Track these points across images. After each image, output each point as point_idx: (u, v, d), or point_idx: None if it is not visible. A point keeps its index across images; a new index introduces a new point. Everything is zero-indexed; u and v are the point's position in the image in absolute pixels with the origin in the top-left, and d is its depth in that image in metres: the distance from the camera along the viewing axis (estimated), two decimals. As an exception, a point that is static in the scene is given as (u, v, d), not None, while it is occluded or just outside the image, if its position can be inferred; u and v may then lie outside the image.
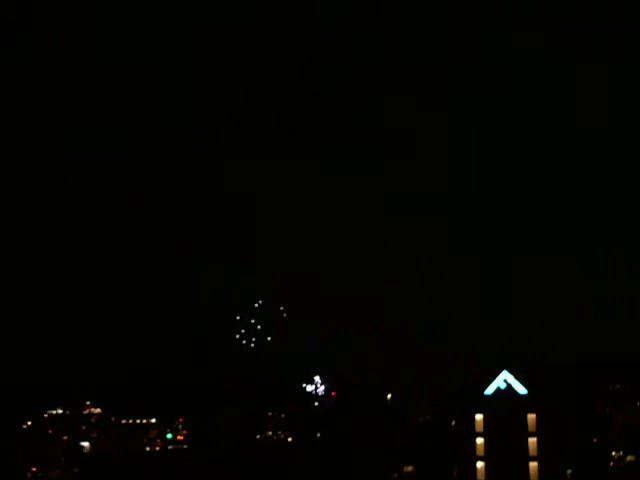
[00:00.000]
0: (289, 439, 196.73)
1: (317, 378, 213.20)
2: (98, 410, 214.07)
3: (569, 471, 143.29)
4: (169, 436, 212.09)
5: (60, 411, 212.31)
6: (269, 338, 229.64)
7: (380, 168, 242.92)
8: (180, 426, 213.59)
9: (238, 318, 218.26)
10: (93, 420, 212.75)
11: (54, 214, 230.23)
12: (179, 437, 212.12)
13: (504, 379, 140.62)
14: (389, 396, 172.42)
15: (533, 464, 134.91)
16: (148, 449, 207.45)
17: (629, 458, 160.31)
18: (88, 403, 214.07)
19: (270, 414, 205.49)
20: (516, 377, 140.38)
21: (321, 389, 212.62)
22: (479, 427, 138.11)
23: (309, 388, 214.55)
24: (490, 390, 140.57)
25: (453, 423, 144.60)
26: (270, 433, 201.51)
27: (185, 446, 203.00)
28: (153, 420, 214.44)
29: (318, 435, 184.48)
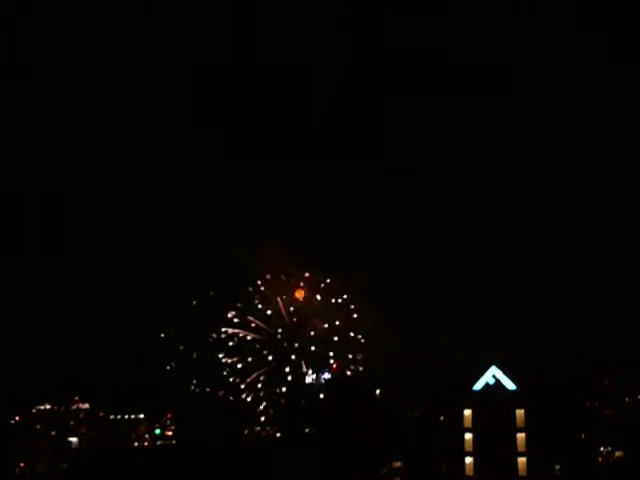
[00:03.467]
0: (277, 434, 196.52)
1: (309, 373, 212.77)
2: (86, 405, 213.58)
3: (557, 466, 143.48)
4: (157, 432, 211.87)
5: (48, 406, 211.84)
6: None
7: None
8: (168, 422, 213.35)
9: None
10: (81, 415, 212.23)
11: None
12: (167, 432, 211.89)
13: (493, 374, 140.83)
14: (377, 391, 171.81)
15: (522, 459, 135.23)
16: (136, 444, 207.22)
17: (617, 454, 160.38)
18: (76, 398, 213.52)
19: (258, 409, 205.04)
20: (505, 373, 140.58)
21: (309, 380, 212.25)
22: (468, 422, 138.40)
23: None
24: (479, 385, 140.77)
25: (442, 418, 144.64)
26: (258, 428, 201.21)
27: (173, 442, 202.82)
28: (141, 415, 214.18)
29: (307, 430, 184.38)
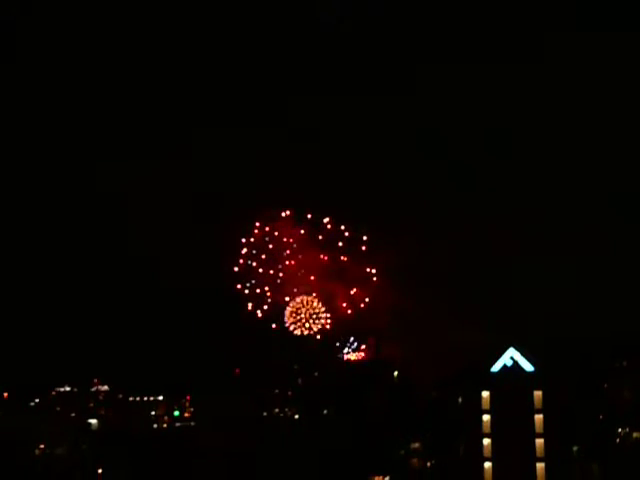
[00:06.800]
0: (296, 416, 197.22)
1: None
2: (105, 387, 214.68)
3: (575, 448, 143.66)
4: (176, 413, 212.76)
5: (68, 388, 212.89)
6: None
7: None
8: (187, 403, 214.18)
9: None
10: (101, 397, 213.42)
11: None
12: (186, 414, 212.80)
13: (510, 356, 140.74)
14: (395, 373, 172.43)
15: (539, 441, 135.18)
16: (155, 426, 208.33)
17: (635, 435, 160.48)
18: (95, 380, 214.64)
19: (277, 391, 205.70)
20: (522, 354, 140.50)
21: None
22: (485, 404, 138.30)
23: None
24: (496, 367, 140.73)
25: (460, 400, 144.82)
26: (277, 410, 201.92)
27: (192, 423, 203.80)
28: (160, 397, 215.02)
29: (325, 412, 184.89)
